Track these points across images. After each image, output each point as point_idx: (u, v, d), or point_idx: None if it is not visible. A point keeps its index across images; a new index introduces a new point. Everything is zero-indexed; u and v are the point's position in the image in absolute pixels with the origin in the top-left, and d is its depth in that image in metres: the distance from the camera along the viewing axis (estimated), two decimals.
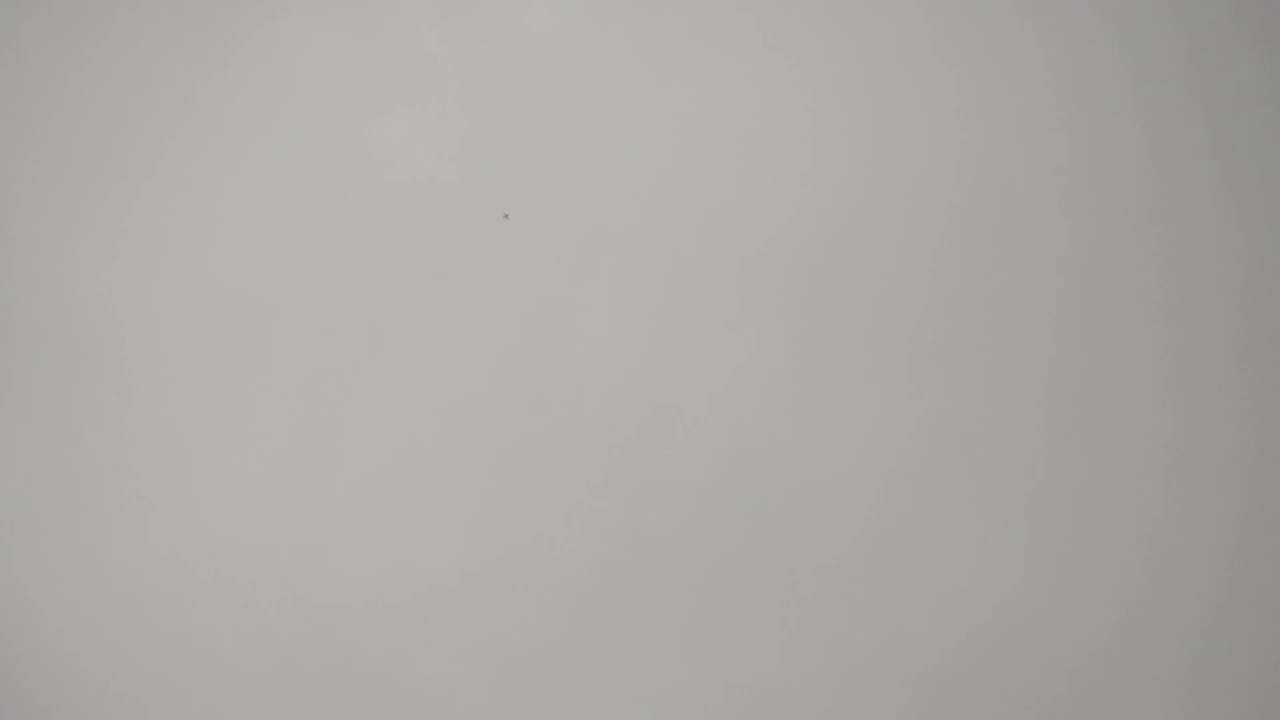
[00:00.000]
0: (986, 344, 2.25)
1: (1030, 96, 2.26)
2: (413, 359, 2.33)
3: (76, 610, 2.38)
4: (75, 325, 2.39)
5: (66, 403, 2.38)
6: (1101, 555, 2.23)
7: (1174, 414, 2.23)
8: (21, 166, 2.40)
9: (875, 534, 2.26)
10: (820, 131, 2.28)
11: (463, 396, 2.32)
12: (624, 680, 2.29)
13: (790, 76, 2.29)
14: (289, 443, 2.35)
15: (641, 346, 2.30)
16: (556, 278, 2.31)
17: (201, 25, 2.38)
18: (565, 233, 2.31)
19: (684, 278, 2.30)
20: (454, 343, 2.33)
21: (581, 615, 2.30)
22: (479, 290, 2.33)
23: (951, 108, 2.27)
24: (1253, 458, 2.21)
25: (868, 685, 2.26)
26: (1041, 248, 2.25)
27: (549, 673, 2.30)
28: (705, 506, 2.29)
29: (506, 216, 2.30)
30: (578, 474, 2.30)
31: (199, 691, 2.35)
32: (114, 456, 2.37)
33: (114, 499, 2.37)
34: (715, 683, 2.28)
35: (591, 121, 2.32)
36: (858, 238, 2.27)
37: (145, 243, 2.38)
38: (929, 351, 2.25)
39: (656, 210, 2.31)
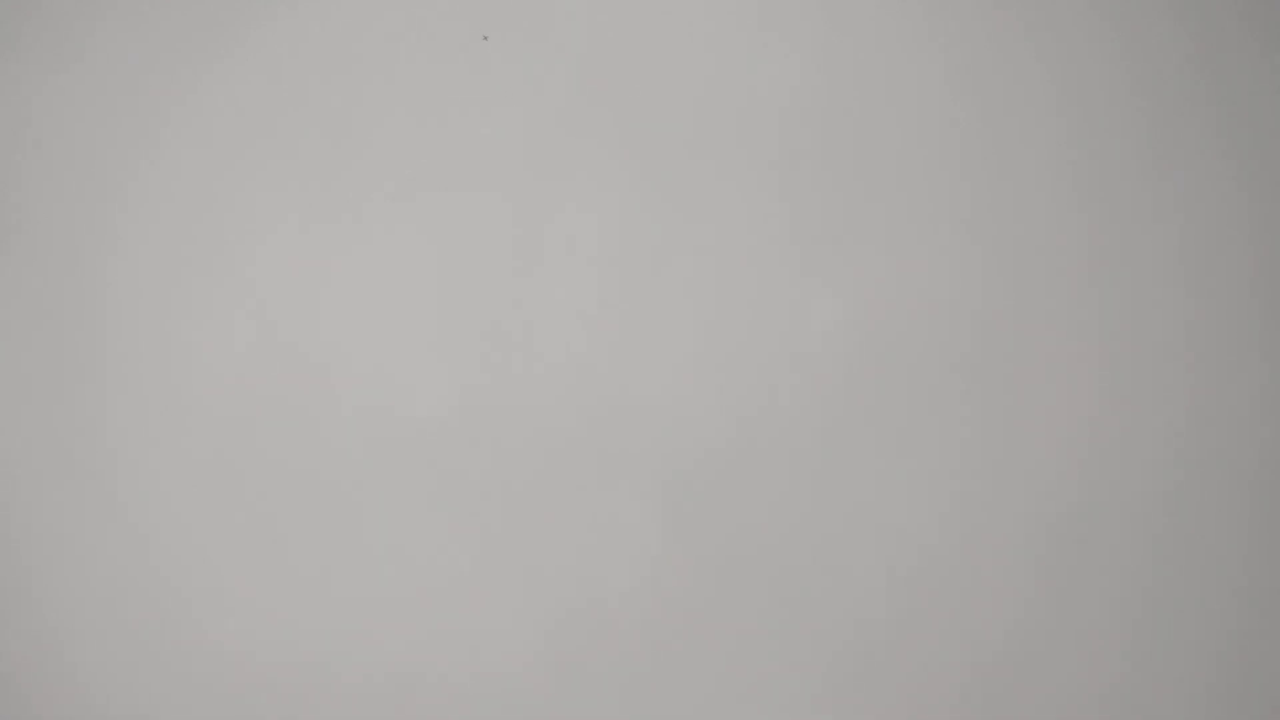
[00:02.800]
0: (998, 305, 2.25)
1: (1032, 60, 2.27)
2: (421, 357, 2.33)
3: (72, 612, 2.38)
4: (75, 321, 2.39)
5: (61, 408, 2.39)
6: (1113, 564, 2.23)
7: (1185, 410, 2.23)
8: (20, 159, 2.41)
9: (856, 396, 2.26)
10: (836, 63, 2.29)
11: (470, 393, 2.32)
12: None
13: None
14: (291, 444, 2.35)
15: (632, 198, 2.30)
16: (541, 119, 2.31)
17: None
18: (550, 67, 2.32)
19: (677, 128, 2.30)
20: (460, 335, 2.33)
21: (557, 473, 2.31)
22: (477, 280, 2.33)
23: (953, 91, 2.28)
24: (1265, 452, 2.22)
25: (843, 551, 2.26)
26: (1048, 216, 2.26)
27: None
28: (690, 362, 2.29)
29: (486, 38, 2.27)
30: (562, 332, 2.30)
31: (191, 699, 2.36)
32: (112, 460, 2.38)
33: (113, 503, 2.37)
34: (693, 546, 2.29)
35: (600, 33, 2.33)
36: (859, 105, 2.27)
37: (146, 237, 2.39)
38: (921, 220, 2.26)
39: (652, 59, 2.31)
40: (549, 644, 2.30)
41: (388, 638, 2.33)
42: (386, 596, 2.33)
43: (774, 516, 2.28)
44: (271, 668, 2.34)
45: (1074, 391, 2.24)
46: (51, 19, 2.42)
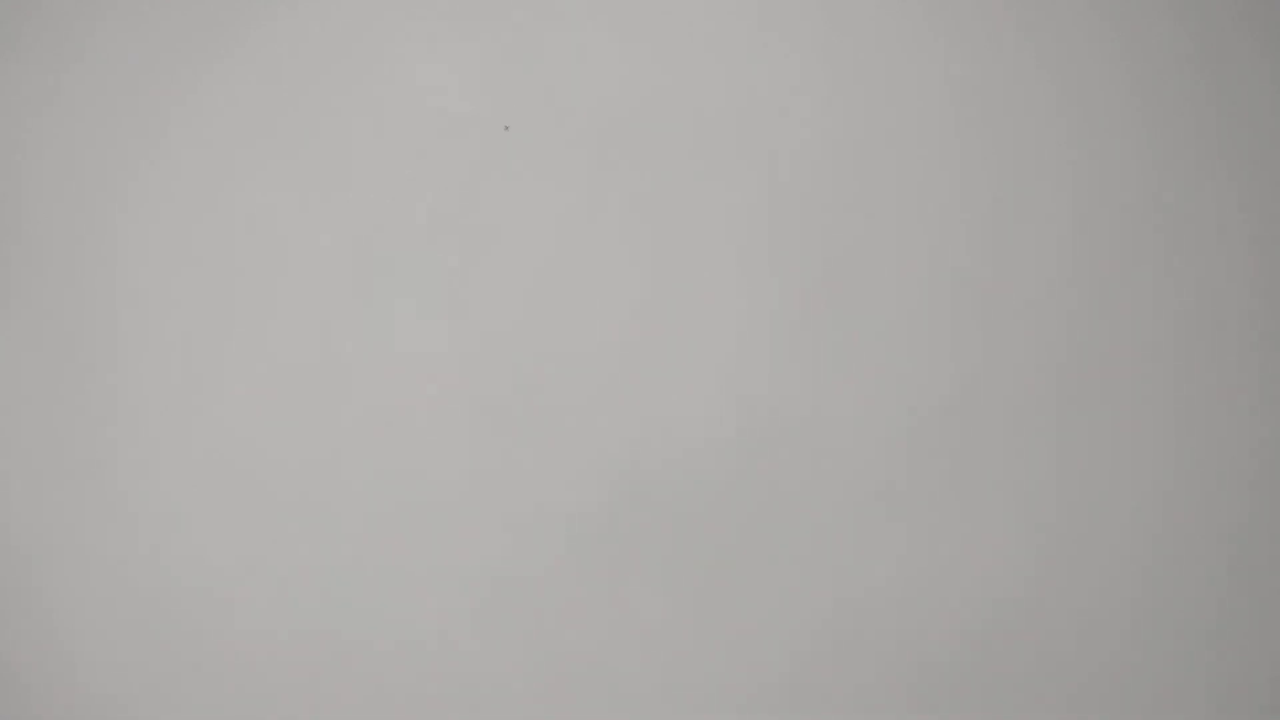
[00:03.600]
0: (998, 303, 2.25)
1: (1034, 74, 2.27)
2: (418, 354, 2.33)
3: (73, 608, 2.38)
4: (75, 321, 2.39)
5: (65, 401, 2.38)
6: (1108, 554, 2.24)
7: (1183, 408, 2.24)
8: (22, 160, 2.41)
9: (881, 494, 2.26)
10: (838, 70, 2.29)
11: (472, 390, 2.32)
12: (626, 678, 2.29)
13: (801, 11, 2.30)
14: (288, 442, 2.35)
15: (648, 289, 2.31)
16: (563, 208, 2.31)
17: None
18: (571, 159, 2.32)
19: (695, 217, 2.30)
20: (458, 336, 2.33)
21: (582, 594, 2.31)
22: (479, 279, 2.33)
23: (958, 85, 2.28)
24: (1262, 452, 2.22)
25: (868, 678, 2.26)
26: (1048, 242, 2.26)
27: (555, 680, 2.31)
28: (710, 459, 2.29)
29: (507, 128, 2.29)
30: (583, 419, 2.30)
31: (194, 693, 2.36)
32: (113, 456, 2.37)
33: (112, 499, 2.37)
34: (714, 639, 2.28)
35: (601, 51, 2.32)
36: (875, 190, 2.28)
37: (146, 238, 2.39)
38: (940, 313, 2.26)
39: (667, 146, 2.31)
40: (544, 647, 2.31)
41: (389, 647, 2.33)
42: (389, 604, 2.33)
43: (790, 612, 2.29)
44: (276, 667, 2.34)
45: (1079, 422, 2.25)
46: (51, 19, 2.42)
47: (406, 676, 2.33)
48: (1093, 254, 2.25)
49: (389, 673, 2.33)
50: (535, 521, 2.31)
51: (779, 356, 2.29)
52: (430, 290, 2.34)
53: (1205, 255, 2.24)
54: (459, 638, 2.32)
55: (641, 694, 2.29)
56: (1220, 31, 2.25)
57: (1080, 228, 2.26)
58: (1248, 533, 2.22)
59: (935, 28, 2.28)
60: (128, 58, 2.40)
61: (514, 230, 2.33)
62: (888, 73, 2.29)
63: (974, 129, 2.27)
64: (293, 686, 2.34)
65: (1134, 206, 2.25)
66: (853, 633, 2.26)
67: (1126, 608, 2.24)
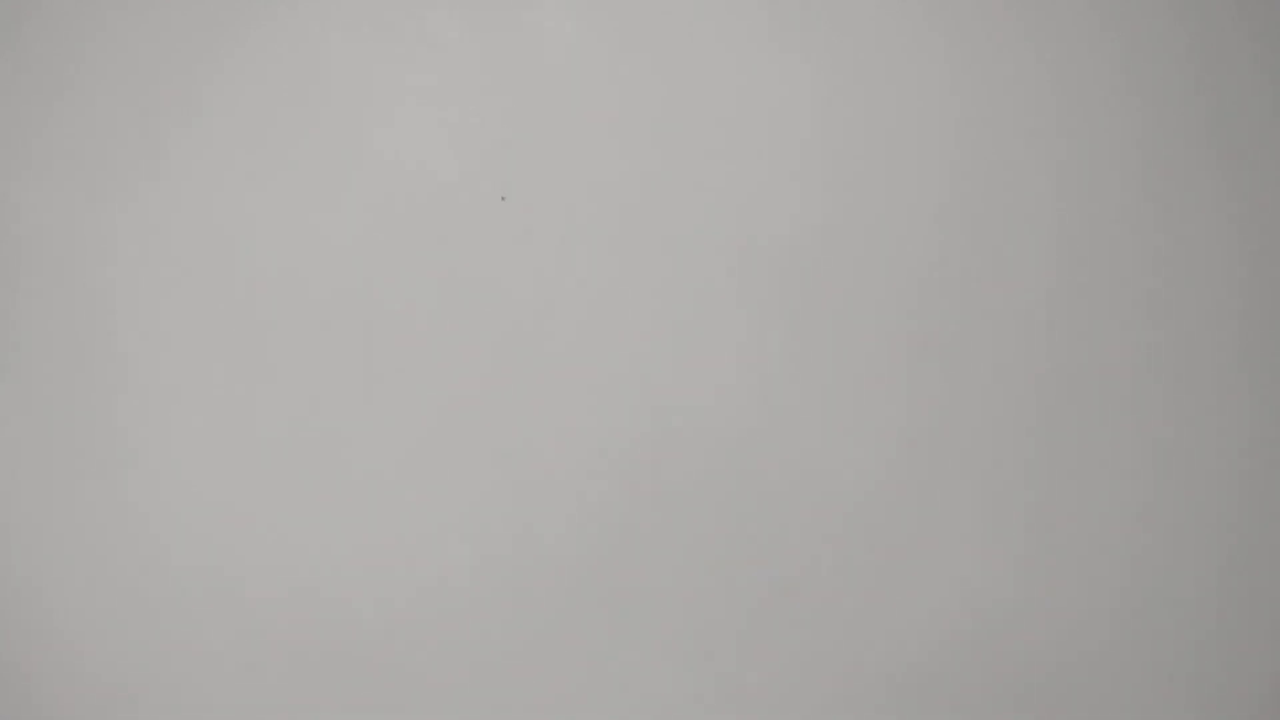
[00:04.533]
0: (983, 342, 2.27)
1: (1029, 88, 2.28)
2: (412, 349, 2.32)
3: (74, 605, 2.37)
4: (75, 321, 2.38)
5: (65, 399, 2.38)
6: (1095, 557, 2.26)
7: (1169, 413, 2.26)
8: (22, 163, 2.39)
9: (867, 531, 2.28)
10: (818, 124, 2.30)
11: (461, 389, 2.32)
12: (614, 676, 2.30)
13: (789, 66, 2.30)
14: (287, 439, 2.34)
15: (636, 340, 2.31)
16: (552, 266, 2.31)
17: (203, 22, 2.37)
18: (561, 218, 2.32)
19: (680, 269, 2.30)
20: (452, 334, 2.32)
21: (576, 613, 2.31)
22: (476, 280, 2.32)
23: (949, 102, 2.29)
24: (1248, 455, 2.24)
25: (856, 682, 2.28)
26: (1038, 244, 2.28)
27: (543, 668, 2.31)
28: (698, 502, 2.30)
29: (504, 199, 2.30)
30: (573, 467, 2.30)
31: (195, 688, 2.35)
32: (112, 453, 2.36)
33: (112, 495, 2.36)
34: (704, 679, 2.29)
35: (588, 109, 2.32)
36: (855, 231, 2.29)
37: (146, 239, 2.38)
38: (925, 348, 2.27)
39: (653, 199, 2.31)
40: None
41: (388, 645, 2.33)
42: (387, 604, 2.33)
43: (783, 649, 2.30)
44: (276, 663, 2.34)
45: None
46: (51, 19, 2.41)
47: (407, 668, 2.33)
48: (1092, 263, 2.27)
49: (391, 669, 2.33)
50: (528, 529, 2.32)
51: (766, 367, 2.30)
52: (430, 281, 2.34)
53: (1203, 264, 2.26)
54: (461, 638, 2.32)
55: (620, 694, 2.30)
56: (1218, 25, 2.26)
57: (1075, 229, 2.27)
58: (1232, 542, 2.25)
59: (934, 24, 2.30)
60: (131, 59, 2.39)
61: (500, 277, 2.32)
62: (874, 140, 2.30)
63: (971, 126, 2.29)
64: (289, 684, 2.34)
65: (1130, 201, 2.27)
66: (838, 639, 2.28)
67: (1109, 621, 2.26)
